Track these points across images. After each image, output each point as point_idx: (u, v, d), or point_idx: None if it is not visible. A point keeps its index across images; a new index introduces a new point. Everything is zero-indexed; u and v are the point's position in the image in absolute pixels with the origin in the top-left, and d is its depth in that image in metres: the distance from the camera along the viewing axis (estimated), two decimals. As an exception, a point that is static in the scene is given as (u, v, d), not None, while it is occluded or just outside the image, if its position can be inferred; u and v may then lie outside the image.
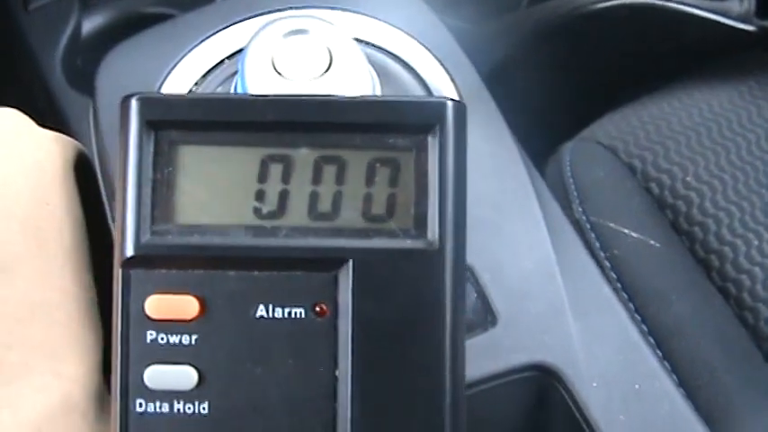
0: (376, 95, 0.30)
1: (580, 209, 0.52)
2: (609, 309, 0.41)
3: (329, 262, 0.30)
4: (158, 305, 0.30)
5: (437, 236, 0.30)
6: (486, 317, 0.40)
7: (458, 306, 0.30)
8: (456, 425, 0.30)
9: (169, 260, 0.30)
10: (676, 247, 0.53)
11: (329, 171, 0.30)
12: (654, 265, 0.51)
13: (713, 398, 0.46)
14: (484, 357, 0.38)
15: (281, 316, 0.30)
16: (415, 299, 0.30)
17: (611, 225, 0.51)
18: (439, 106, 0.30)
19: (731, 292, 0.52)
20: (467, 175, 0.31)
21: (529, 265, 0.40)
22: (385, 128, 0.30)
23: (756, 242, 0.52)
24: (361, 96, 0.30)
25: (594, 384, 0.39)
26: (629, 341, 0.41)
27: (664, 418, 0.39)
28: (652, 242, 0.51)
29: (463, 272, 0.31)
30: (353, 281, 0.30)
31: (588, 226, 0.51)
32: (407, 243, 0.30)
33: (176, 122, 0.30)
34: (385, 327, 0.30)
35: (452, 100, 0.31)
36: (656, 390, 0.40)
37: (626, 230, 0.51)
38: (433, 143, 0.30)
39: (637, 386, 0.39)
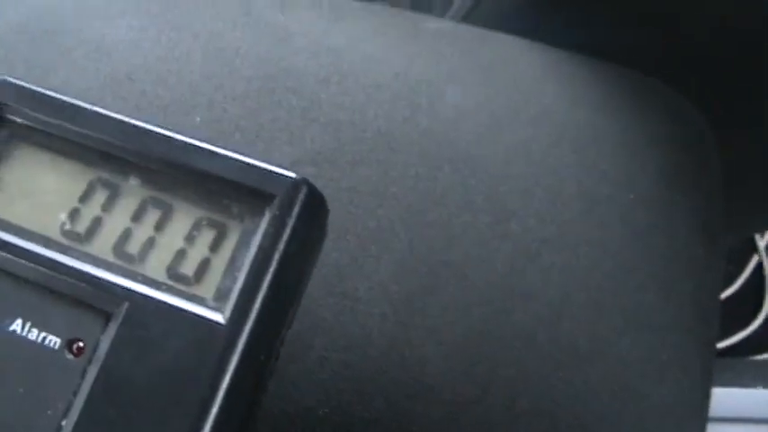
0: (232, 151, 0.28)
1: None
2: None
3: (106, 300, 0.26)
4: None
5: (229, 315, 0.26)
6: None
7: (234, 399, 0.26)
8: None
9: None
10: None
11: (153, 214, 0.28)
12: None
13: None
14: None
15: (33, 338, 0.26)
16: (184, 373, 0.26)
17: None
18: (285, 180, 0.28)
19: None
20: (306, 268, 0.28)
21: None
22: (224, 185, 0.28)
23: None
24: (213, 146, 0.28)
25: None
26: None
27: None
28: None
29: (260, 367, 0.26)
30: (122, 329, 0.26)
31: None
32: (198, 309, 0.26)
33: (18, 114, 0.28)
34: (136, 392, 0.26)
35: (307, 182, 0.28)
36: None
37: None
38: (267, 218, 0.27)
39: None
